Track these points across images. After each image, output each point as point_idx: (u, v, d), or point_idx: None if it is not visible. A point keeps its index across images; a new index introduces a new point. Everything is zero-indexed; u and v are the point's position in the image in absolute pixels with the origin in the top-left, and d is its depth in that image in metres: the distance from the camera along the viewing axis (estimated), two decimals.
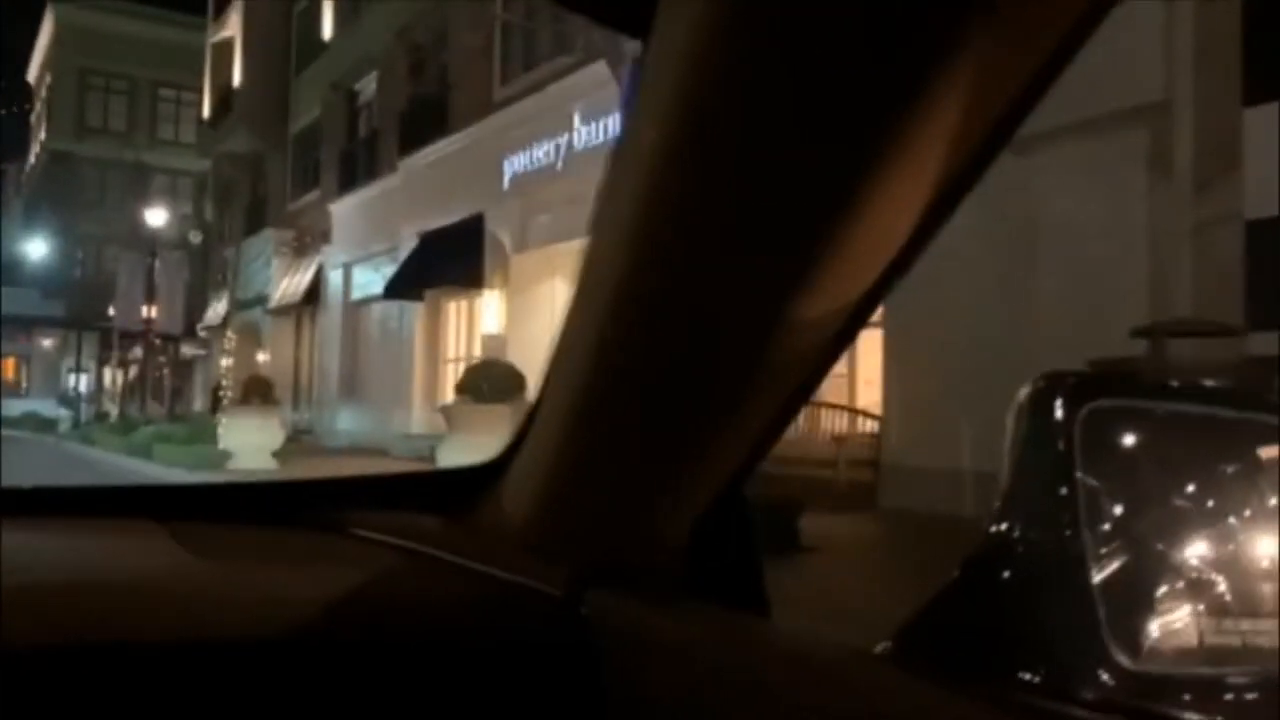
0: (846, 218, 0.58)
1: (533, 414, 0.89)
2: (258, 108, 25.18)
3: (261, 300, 24.16)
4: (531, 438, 0.88)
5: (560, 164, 12.96)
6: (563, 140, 12.89)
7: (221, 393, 16.32)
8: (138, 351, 35.88)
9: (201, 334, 35.00)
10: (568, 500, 0.83)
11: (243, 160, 27.33)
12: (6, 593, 0.74)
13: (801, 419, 9.95)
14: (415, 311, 17.19)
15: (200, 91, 36.82)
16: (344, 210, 20.56)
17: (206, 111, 29.86)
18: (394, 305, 18.26)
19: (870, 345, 10.58)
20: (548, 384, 0.84)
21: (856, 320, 0.68)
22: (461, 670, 0.79)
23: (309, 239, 22.38)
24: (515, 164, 13.99)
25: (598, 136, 12.19)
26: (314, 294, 21.74)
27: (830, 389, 10.56)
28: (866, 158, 0.55)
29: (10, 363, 39.88)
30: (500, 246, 14.49)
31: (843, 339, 0.69)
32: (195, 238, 30.19)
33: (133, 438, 16.84)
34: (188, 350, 30.93)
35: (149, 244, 24.54)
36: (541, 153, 13.37)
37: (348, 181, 20.81)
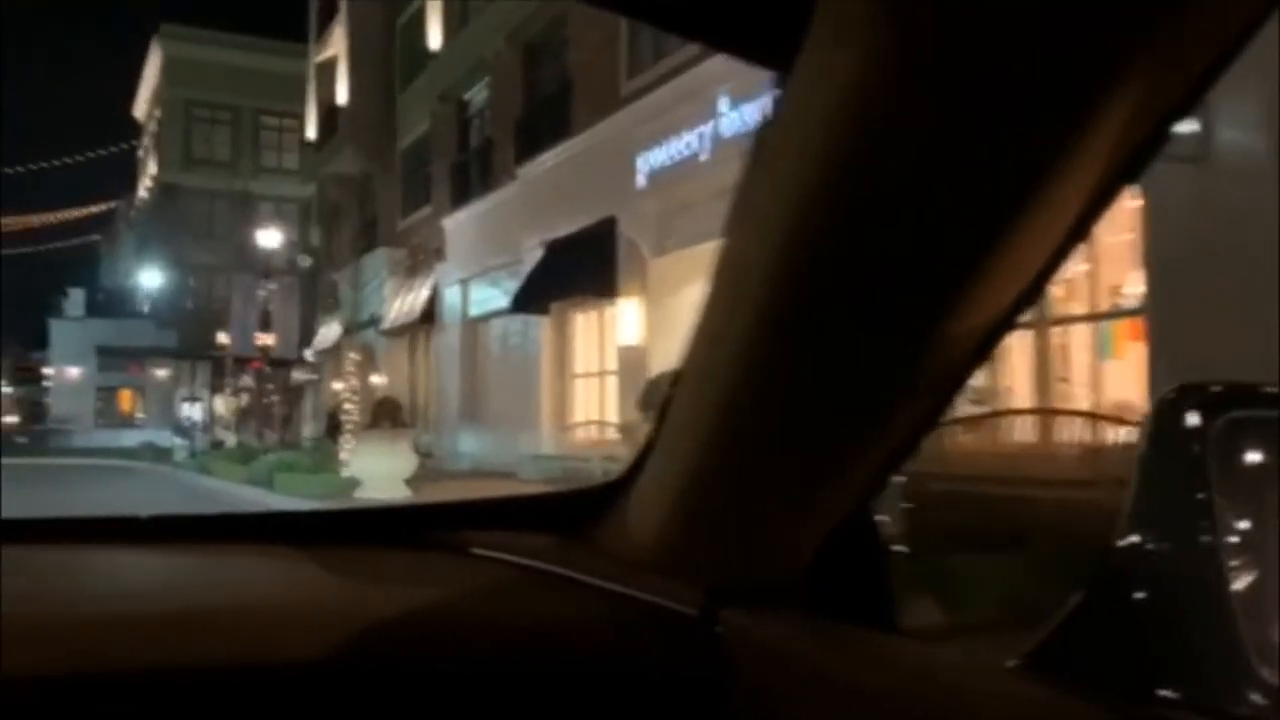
0: (999, 228, 0.60)
1: (655, 434, 0.90)
2: (364, 126, 24.70)
3: (375, 321, 23.59)
4: (656, 457, 0.89)
5: (705, 155, 11.82)
6: (706, 129, 11.75)
7: (343, 416, 15.54)
8: (246, 379, 36.00)
9: (310, 359, 34.91)
10: (699, 519, 0.83)
11: (349, 181, 26.93)
12: (160, 616, 0.78)
13: (1029, 429, 8.58)
14: (541, 326, 16.22)
15: (302, 117, 37.06)
16: (458, 225, 19.79)
17: (312, 133, 29.58)
18: (516, 320, 17.35)
19: (1072, 339, 9.15)
20: (671, 402, 0.85)
21: (997, 333, 0.68)
22: (595, 689, 0.80)
23: (422, 257, 21.69)
24: (651, 160, 12.89)
25: (747, 121, 11.00)
26: (430, 313, 21.01)
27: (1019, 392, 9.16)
28: (1023, 166, 0.57)
29: (126, 394, 40.47)
30: (636, 251, 13.40)
31: (982, 352, 0.69)
32: (304, 262, 29.97)
33: (252, 467, 16.24)
34: (298, 376, 30.68)
35: (261, 268, 24.17)
36: (682, 145, 12.24)
37: (461, 195, 20.04)
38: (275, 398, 34.45)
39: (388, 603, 0.86)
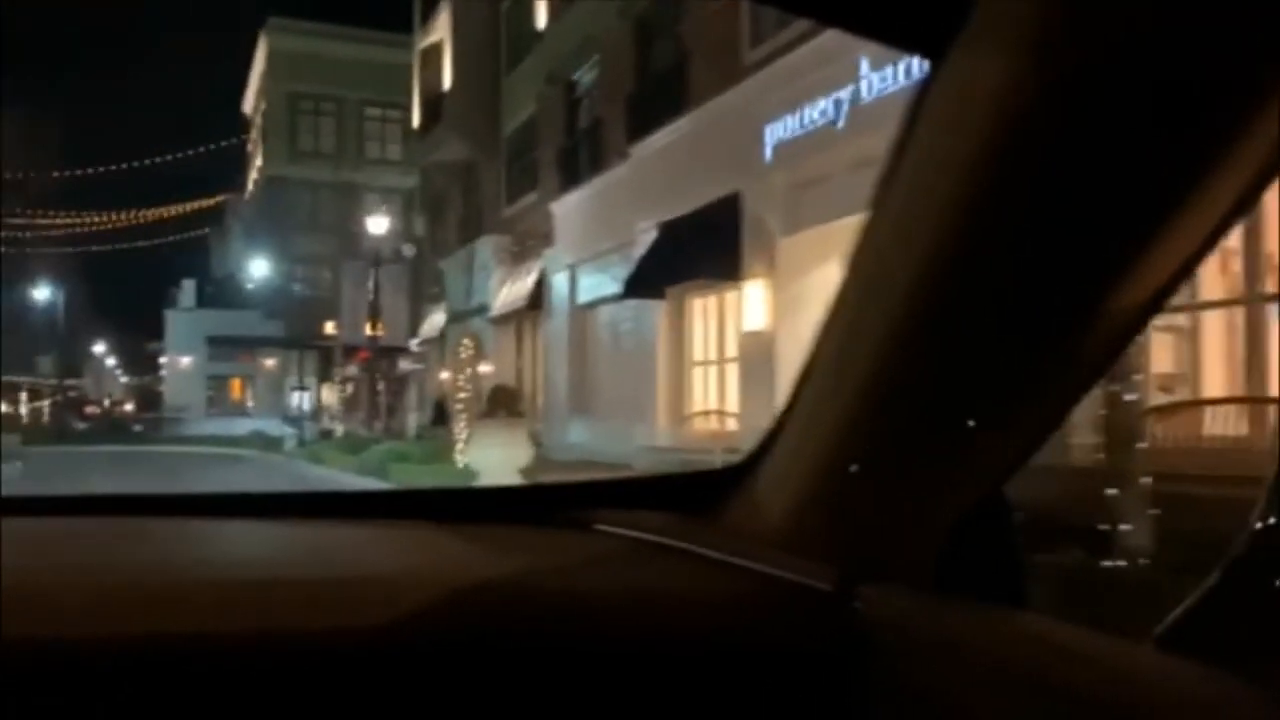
0: (1149, 223, 0.61)
1: (784, 415, 0.92)
2: (468, 112, 24.35)
3: (481, 310, 23.25)
4: (788, 438, 0.91)
5: (842, 122, 10.93)
6: (844, 94, 10.86)
7: (457, 405, 15.11)
8: (352, 369, 36.24)
9: (414, 348, 34.94)
10: (834, 498, 0.85)
11: (454, 169, 26.68)
12: (295, 585, 0.82)
13: (1227, 419, 7.55)
14: (655, 311, 15.52)
15: (405, 107, 37.05)
16: (566, 209, 19.23)
17: (416, 121, 29.43)
18: (627, 306, 16.70)
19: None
20: (802, 384, 0.88)
21: (1138, 324, 0.69)
22: (729, 664, 0.81)
23: (529, 243, 21.23)
24: (780, 131, 12.05)
25: (893, 81, 10.09)
26: (537, 300, 20.53)
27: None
28: (1180, 162, 0.59)
29: (236, 383, 41.27)
30: (763, 229, 12.58)
31: (1124, 339, 0.70)
32: (408, 251, 29.90)
33: (363, 457, 15.97)
34: (405, 365, 30.65)
35: (371, 256, 24.04)
36: (816, 113, 11.37)
37: (569, 179, 19.48)
38: (381, 387, 34.66)
39: (516, 576, 0.88)
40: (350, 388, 34.21)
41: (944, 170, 0.66)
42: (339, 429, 27.02)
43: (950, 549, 0.82)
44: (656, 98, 15.66)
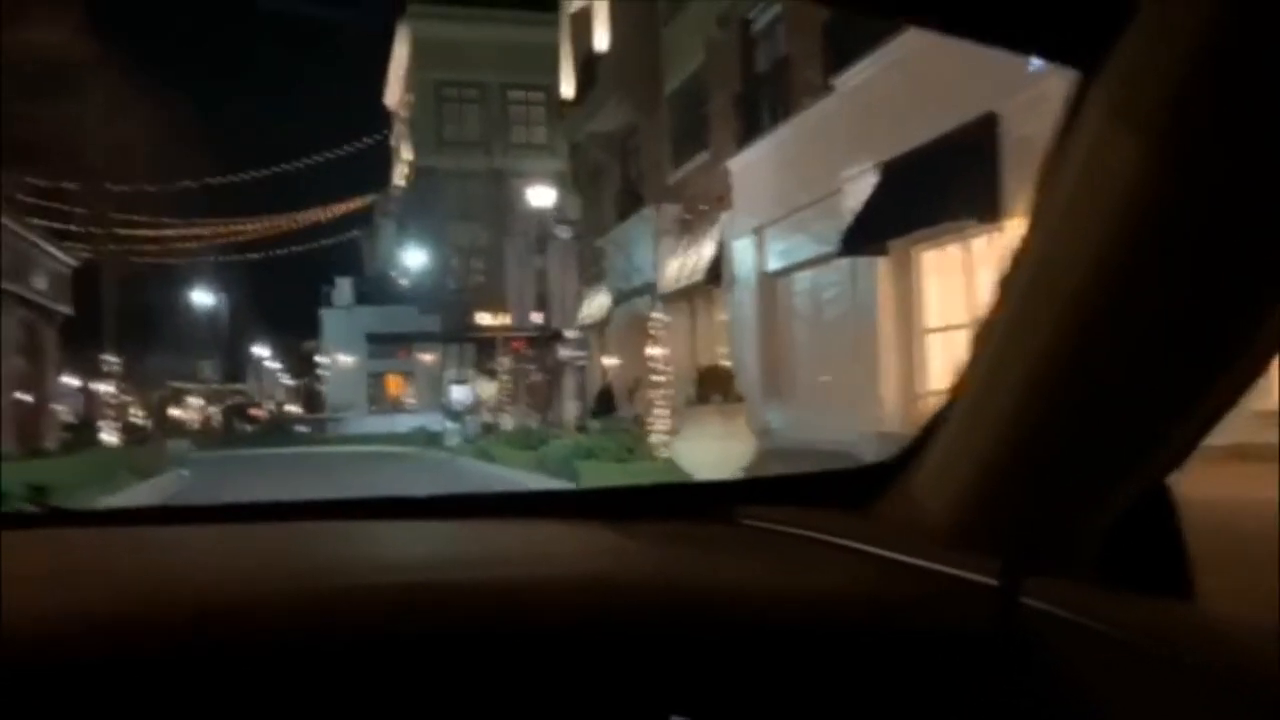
0: None
1: (943, 409, 0.92)
2: (626, 72, 22.36)
3: (648, 288, 21.26)
4: (949, 431, 0.91)
5: None
6: None
7: (653, 391, 13.10)
8: (505, 361, 35.06)
9: (571, 335, 33.43)
10: (998, 491, 0.85)
11: (610, 139, 24.79)
12: (462, 586, 0.85)
13: None
14: (873, 271, 13.09)
15: (549, 89, 35.63)
16: (747, 165, 16.97)
17: (567, 91, 27.67)
18: (832, 269, 14.37)
19: None
20: (963, 378, 0.88)
21: None
22: (893, 659, 0.81)
23: (702, 209, 19.07)
24: None
25: None
26: (715, 271, 18.36)
27: None
28: None
29: (395, 379, 40.68)
30: (1033, 153, 10.00)
31: None
32: (563, 233, 28.23)
33: (542, 453, 14.18)
34: (565, 353, 29.04)
35: (534, 234, 22.30)
36: None
37: (748, 130, 17.21)
38: (539, 377, 33.31)
39: (672, 573, 0.91)
40: (508, 379, 32.94)
41: (1105, 173, 0.68)
42: (505, 422, 25.50)
43: (1116, 541, 0.83)
44: (866, 17, 13.20)
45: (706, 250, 18.85)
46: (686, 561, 0.97)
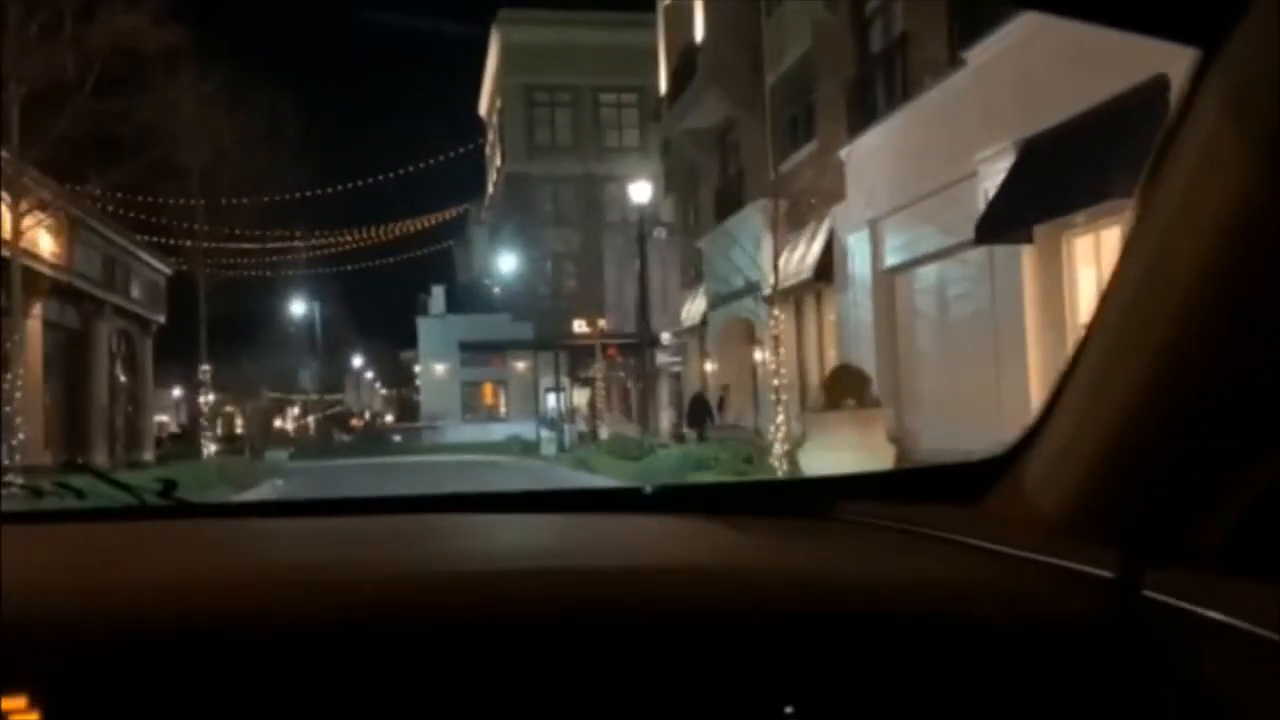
0: None
1: (1054, 400, 0.91)
2: (726, 64, 21.36)
3: (751, 289, 20.17)
4: (1061, 423, 0.90)
5: None
6: None
7: (773, 396, 12.06)
8: (599, 368, 34.34)
9: (666, 341, 32.54)
10: (1117, 482, 0.84)
11: (708, 135, 23.80)
12: (561, 573, 0.88)
13: None
14: (1015, 262, 11.81)
15: (640, 90, 34.95)
16: (861, 154, 15.80)
17: (663, 89, 26.78)
18: (961, 263, 13.13)
19: None
20: (1074, 368, 0.86)
21: None
22: (1009, 651, 0.81)
23: (812, 202, 17.94)
24: None
25: None
26: (825, 269, 17.21)
27: None
28: None
29: (488, 387, 40.28)
30: None
31: None
32: (659, 235, 27.33)
33: (649, 464, 13.26)
34: (662, 359, 28.12)
35: (629, 237, 21.43)
36: None
37: (862, 117, 16.04)
38: (633, 385, 32.49)
39: (784, 568, 0.92)
40: (602, 387, 32.17)
41: (1222, 159, 0.66)
42: (603, 430, 24.66)
43: (1241, 532, 0.80)
44: None
45: (815, 247, 17.73)
46: (791, 556, 0.98)
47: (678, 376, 34.32)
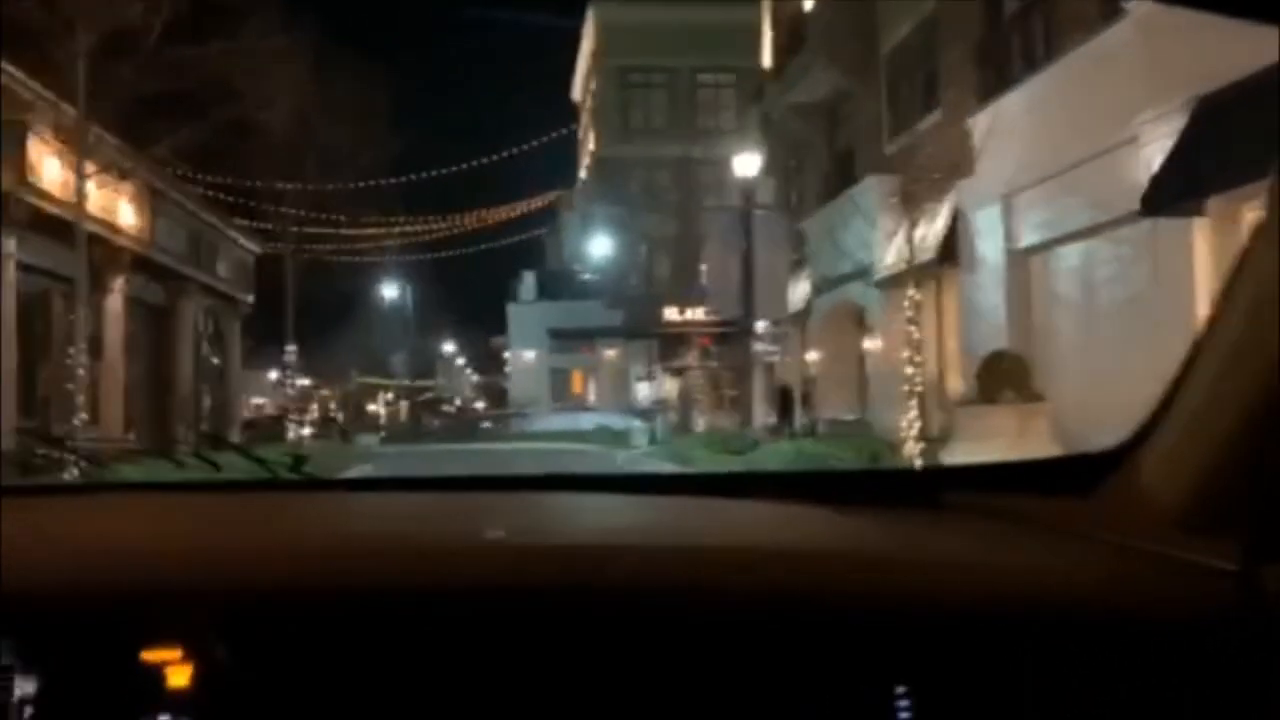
0: None
1: (1172, 394, 0.92)
2: (836, 33, 19.99)
3: (862, 272, 18.81)
4: (1179, 416, 0.90)
5: None
6: None
7: (907, 387, 10.80)
8: (692, 358, 33.23)
9: (761, 330, 31.22)
10: (1239, 475, 0.83)
11: (816, 109, 22.45)
12: (684, 554, 0.91)
13: None
14: (1183, 239, 10.30)
15: (738, 71, 33.69)
16: (994, 122, 14.31)
17: (766, 62, 25.47)
18: (1114, 240, 11.65)
19: None
20: (1194, 362, 0.88)
21: None
22: (1131, 644, 0.80)
23: (935, 177, 16.48)
24: None
25: None
26: (948, 249, 15.77)
27: None
28: None
29: (577, 375, 39.48)
30: None
31: None
32: (761, 216, 25.99)
33: (753, 459, 12.12)
34: (760, 347, 26.86)
35: (726, 221, 20.23)
36: None
37: (994, 82, 14.58)
38: (725, 375, 31.29)
39: (891, 554, 0.93)
40: (698, 377, 31.06)
41: None
42: (697, 421, 23.49)
43: None
44: None
45: (936, 226, 16.27)
46: (901, 544, 0.98)
47: (771, 368, 33.05)
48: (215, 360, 19.36)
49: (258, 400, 48.30)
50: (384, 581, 0.89)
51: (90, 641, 0.85)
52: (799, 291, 23.57)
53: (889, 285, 18.15)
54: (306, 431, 43.13)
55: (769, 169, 27.34)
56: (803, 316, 22.56)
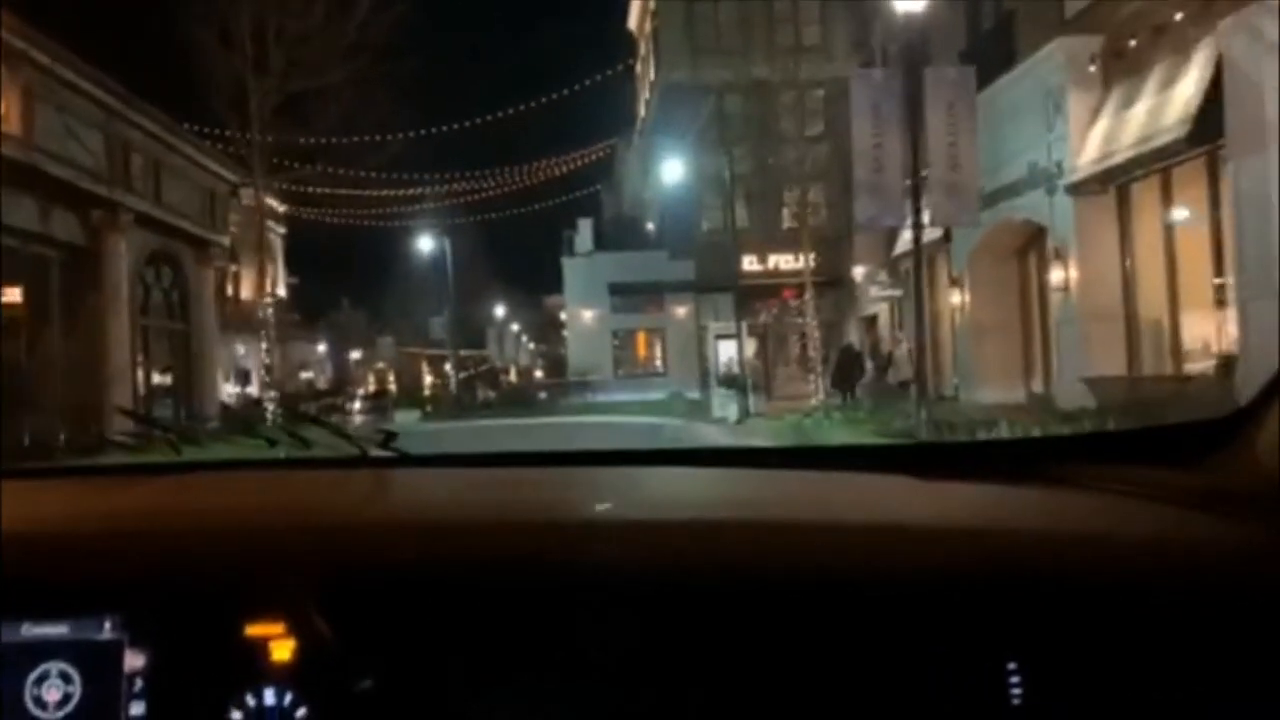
0: None
1: None
2: None
3: (1043, 177, 13.55)
4: None
5: None
6: None
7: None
8: (772, 314, 28.39)
9: (861, 277, 26.23)
10: None
11: None
12: (805, 530, 0.91)
13: None
14: None
15: None
16: None
17: None
18: None
19: None
20: None
21: None
22: (1242, 613, 0.80)
23: (1176, 18, 11.12)
24: None
25: None
26: (1200, 127, 10.46)
27: None
28: None
29: (642, 337, 34.48)
30: None
31: None
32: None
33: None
34: (876, 292, 21.65)
35: (904, 55, 14.71)
36: None
37: None
38: (817, 333, 26.43)
39: (1000, 526, 0.91)
40: (795, 338, 26.13)
41: None
42: (816, 398, 18.38)
43: None
44: None
45: (1181, 90, 10.96)
46: (1009, 516, 0.96)
47: (873, 321, 27.98)
48: (176, 324, 14.78)
49: (306, 375, 44.50)
50: (481, 556, 0.89)
51: (196, 616, 0.87)
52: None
53: (1085, 192, 12.86)
54: (357, 407, 39.11)
55: (889, 57, 21.90)
56: (942, 246, 17.32)
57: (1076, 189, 12.87)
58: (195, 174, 14.64)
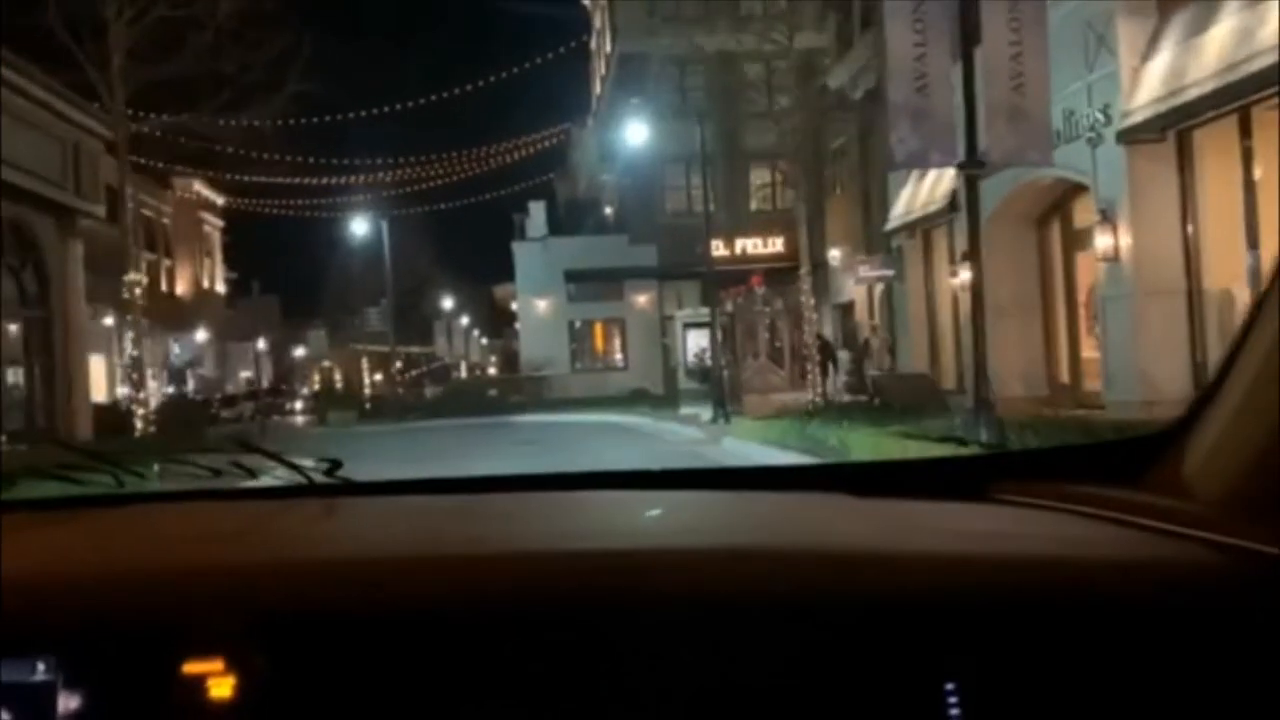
0: None
1: (1221, 377, 0.88)
2: None
3: (1089, 125, 11.32)
4: (1229, 399, 0.88)
5: None
6: None
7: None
8: (736, 302, 26.18)
9: (836, 260, 24.12)
10: None
11: None
12: (705, 553, 0.89)
13: None
14: None
15: None
16: None
17: None
18: None
19: None
20: (1243, 345, 0.85)
21: None
22: (1177, 630, 0.79)
23: None
24: None
25: None
26: None
27: None
28: None
29: (600, 328, 32.01)
30: None
31: None
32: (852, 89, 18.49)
33: None
34: (866, 272, 19.43)
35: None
36: None
37: None
38: (783, 321, 24.29)
39: (937, 547, 0.89)
40: (757, 325, 23.88)
41: None
42: (815, 392, 16.07)
43: None
44: None
45: (1269, 11, 8.75)
46: (947, 537, 0.94)
47: (850, 308, 25.91)
48: (30, 310, 12.00)
49: (247, 374, 41.62)
50: (425, 592, 0.88)
51: (131, 655, 0.85)
52: (925, 189, 16.16)
53: (1147, 137, 10.63)
54: (299, 408, 36.14)
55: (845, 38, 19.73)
56: (945, 216, 15.09)
57: (1129, 135, 10.64)
58: (48, 122, 11.85)
